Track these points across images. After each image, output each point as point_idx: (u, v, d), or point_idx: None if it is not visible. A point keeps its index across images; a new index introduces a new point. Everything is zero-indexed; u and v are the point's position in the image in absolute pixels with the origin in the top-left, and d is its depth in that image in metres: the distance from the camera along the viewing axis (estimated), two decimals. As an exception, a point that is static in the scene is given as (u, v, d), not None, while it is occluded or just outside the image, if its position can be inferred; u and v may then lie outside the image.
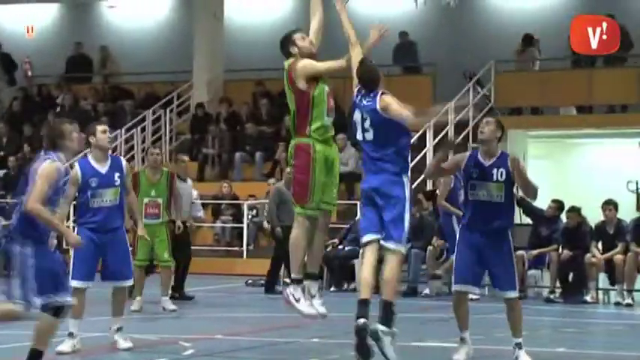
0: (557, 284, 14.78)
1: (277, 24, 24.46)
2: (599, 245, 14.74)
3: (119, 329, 9.60)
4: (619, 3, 21.51)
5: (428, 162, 18.65)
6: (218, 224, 19.72)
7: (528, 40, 20.80)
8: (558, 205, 15.14)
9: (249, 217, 19.12)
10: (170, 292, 13.39)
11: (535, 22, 21.57)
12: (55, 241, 7.71)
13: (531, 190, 8.87)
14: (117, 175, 9.47)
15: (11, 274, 7.44)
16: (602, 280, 14.88)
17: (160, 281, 13.15)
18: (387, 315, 7.97)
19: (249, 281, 16.88)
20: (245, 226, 19.13)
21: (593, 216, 15.03)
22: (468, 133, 19.39)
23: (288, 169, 14.44)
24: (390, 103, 8.16)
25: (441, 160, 8.89)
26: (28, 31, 26.89)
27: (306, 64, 8.43)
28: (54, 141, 7.65)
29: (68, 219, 15.49)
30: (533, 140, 21.15)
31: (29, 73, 25.68)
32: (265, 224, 18.65)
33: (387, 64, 21.76)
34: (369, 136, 8.23)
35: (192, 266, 14.63)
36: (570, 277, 14.80)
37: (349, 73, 8.58)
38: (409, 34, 22.11)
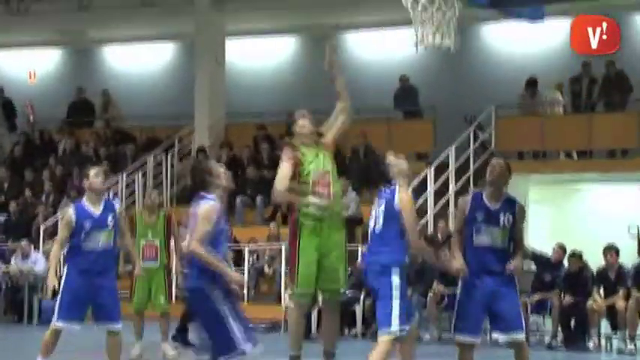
0: (560, 330, 14.71)
1: (278, 68, 24.65)
2: (601, 291, 14.68)
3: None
4: (619, 47, 21.59)
5: (428, 208, 18.69)
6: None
7: (532, 84, 20.84)
8: (564, 249, 15.10)
9: (250, 261, 19.08)
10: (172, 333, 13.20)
11: (534, 66, 21.63)
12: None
13: (522, 248, 8.67)
14: (110, 217, 9.52)
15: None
16: (605, 326, 14.80)
17: (160, 327, 13.07)
18: None
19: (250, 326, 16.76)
20: (246, 271, 19.07)
21: (595, 261, 14.98)
22: (469, 177, 19.44)
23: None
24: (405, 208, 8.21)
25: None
26: (30, 77, 27.00)
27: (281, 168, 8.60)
28: (204, 181, 7.78)
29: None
30: (534, 185, 21.14)
31: (31, 118, 25.73)
32: (266, 269, 18.65)
33: (388, 109, 21.89)
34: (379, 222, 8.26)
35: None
36: (572, 323, 14.73)
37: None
38: (410, 78, 22.20)
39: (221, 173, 7.82)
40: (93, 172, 9.72)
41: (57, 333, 9.37)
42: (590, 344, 14.41)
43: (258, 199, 20.89)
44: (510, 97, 20.91)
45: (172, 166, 22.80)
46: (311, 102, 23.22)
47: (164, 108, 24.23)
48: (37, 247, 19.85)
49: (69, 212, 9.47)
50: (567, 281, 14.73)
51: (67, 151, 24.11)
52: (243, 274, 19.10)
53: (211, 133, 23.20)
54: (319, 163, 8.65)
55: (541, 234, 19.73)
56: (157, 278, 12.75)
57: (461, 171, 19.44)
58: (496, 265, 8.45)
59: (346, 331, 15.91)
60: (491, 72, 22.66)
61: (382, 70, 23.12)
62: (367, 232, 8.61)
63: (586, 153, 20.59)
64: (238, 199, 21.12)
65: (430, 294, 15.28)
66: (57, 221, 19.53)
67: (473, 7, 10.09)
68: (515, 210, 8.52)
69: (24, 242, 19.44)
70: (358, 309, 15.90)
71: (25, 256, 19.25)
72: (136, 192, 21.74)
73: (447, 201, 18.89)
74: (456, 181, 19.22)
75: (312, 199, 8.52)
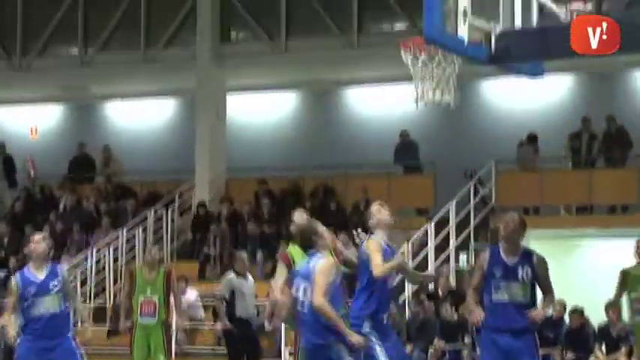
0: (562, 387, 14.61)
1: (279, 124, 24.71)
2: (603, 347, 14.60)
3: None
4: (619, 103, 21.68)
5: (429, 263, 18.65)
6: (219, 325, 19.51)
7: (533, 139, 20.89)
8: (564, 306, 15.04)
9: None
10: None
11: (534, 121, 21.71)
12: None
13: (550, 297, 8.57)
14: (53, 283, 9.55)
15: None
16: (607, 383, 14.70)
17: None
18: None
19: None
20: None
21: (597, 317, 14.91)
22: (470, 232, 19.42)
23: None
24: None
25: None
26: (31, 132, 27.05)
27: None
28: (310, 240, 8.11)
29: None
30: (534, 240, 21.08)
31: (32, 174, 25.75)
32: (266, 324, 18.51)
33: (389, 163, 21.93)
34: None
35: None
36: (574, 379, 14.63)
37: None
38: (410, 133, 22.27)
39: (325, 233, 8.13)
40: (37, 237, 9.82)
41: None
42: (593, 401, 14.32)
43: (259, 254, 20.85)
44: (510, 152, 20.97)
45: (173, 220, 22.79)
46: (312, 157, 23.47)
47: (165, 163, 24.28)
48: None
49: (13, 280, 9.57)
50: (569, 338, 14.67)
51: (67, 207, 24.11)
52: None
53: (212, 188, 23.22)
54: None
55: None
56: (155, 335, 12.68)
57: (461, 226, 19.44)
58: (516, 321, 8.34)
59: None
60: (491, 127, 22.73)
61: (383, 126, 23.19)
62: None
63: (586, 208, 20.59)
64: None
65: (431, 350, 15.20)
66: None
67: (473, 64, 10.15)
68: (533, 262, 8.48)
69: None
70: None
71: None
72: (137, 247, 21.71)
73: (448, 256, 18.86)
74: (457, 236, 19.21)
75: None
